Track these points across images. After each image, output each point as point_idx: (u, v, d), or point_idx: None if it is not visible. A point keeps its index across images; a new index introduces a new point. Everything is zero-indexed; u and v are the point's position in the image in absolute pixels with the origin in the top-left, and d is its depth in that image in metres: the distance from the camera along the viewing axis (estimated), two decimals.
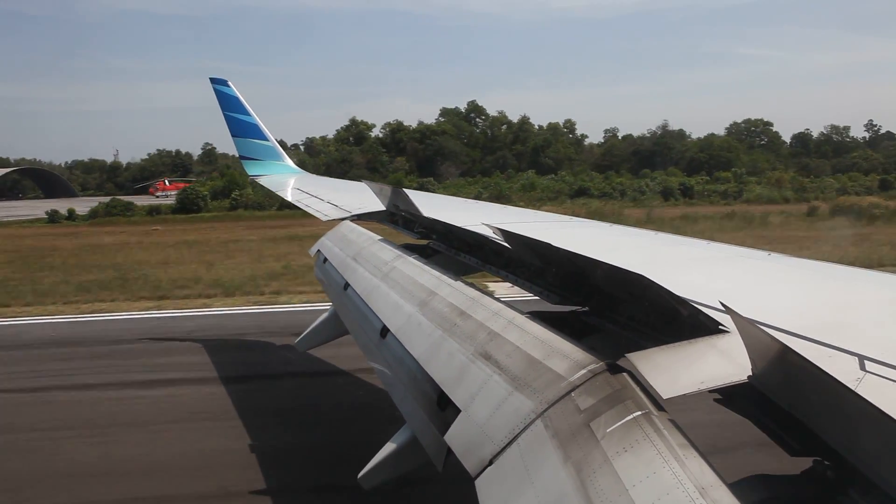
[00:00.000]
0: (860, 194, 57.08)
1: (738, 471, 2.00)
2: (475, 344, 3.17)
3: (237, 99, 15.63)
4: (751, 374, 2.04)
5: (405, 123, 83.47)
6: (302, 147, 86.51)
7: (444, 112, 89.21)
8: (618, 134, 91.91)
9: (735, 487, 1.69)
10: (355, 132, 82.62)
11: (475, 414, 2.74)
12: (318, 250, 7.62)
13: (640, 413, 2.06)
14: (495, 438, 2.50)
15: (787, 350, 1.78)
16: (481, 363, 2.98)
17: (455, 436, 2.81)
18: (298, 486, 7.44)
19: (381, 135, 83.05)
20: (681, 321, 2.61)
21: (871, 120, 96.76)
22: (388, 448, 3.84)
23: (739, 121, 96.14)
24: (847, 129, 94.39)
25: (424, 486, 6.45)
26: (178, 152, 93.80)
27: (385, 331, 4.33)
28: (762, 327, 1.95)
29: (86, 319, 15.87)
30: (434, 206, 7.17)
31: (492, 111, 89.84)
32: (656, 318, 2.91)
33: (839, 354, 2.13)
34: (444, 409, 3.20)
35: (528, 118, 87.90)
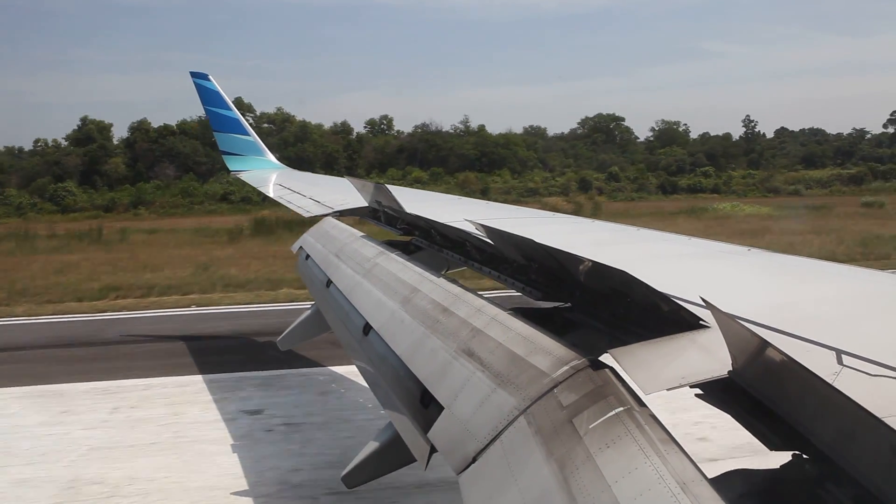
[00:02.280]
0: (553, 194, 58.29)
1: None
2: (458, 341, 3.16)
3: (218, 93, 15.48)
4: (731, 368, 2.06)
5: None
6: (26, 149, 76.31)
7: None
8: (431, 128, 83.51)
9: (715, 482, 1.70)
10: (85, 132, 72.61)
11: (458, 411, 2.74)
12: (301, 247, 7.58)
13: (622, 409, 2.07)
14: (478, 435, 2.50)
15: (766, 345, 1.80)
16: (464, 360, 2.97)
17: (438, 433, 2.80)
18: None
19: (127, 134, 73.78)
20: (662, 317, 2.62)
21: (748, 115, 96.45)
22: (371, 446, 3.82)
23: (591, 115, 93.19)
24: (678, 123, 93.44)
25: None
26: None
27: (368, 328, 4.31)
28: (742, 322, 1.97)
29: None
30: (417, 202, 7.16)
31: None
32: (638, 314, 2.92)
33: (817, 349, 2.16)
34: (427, 406, 3.19)
35: (294, 116, 79.98)
